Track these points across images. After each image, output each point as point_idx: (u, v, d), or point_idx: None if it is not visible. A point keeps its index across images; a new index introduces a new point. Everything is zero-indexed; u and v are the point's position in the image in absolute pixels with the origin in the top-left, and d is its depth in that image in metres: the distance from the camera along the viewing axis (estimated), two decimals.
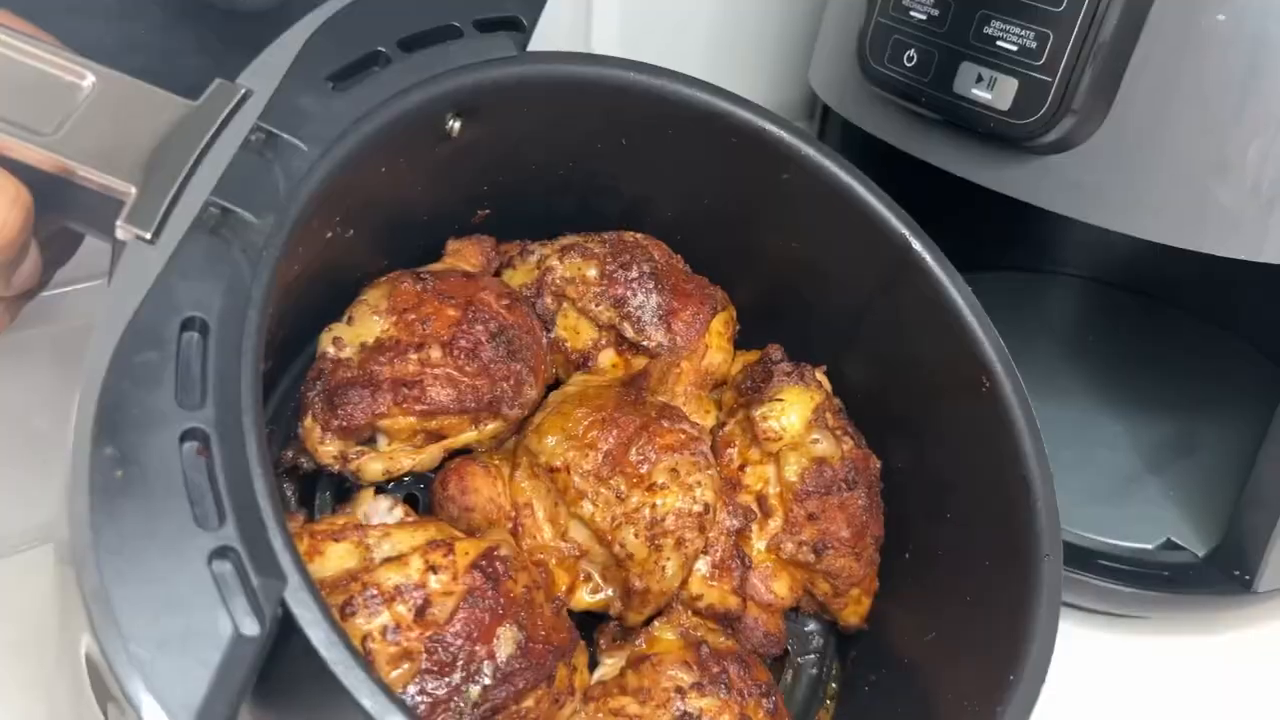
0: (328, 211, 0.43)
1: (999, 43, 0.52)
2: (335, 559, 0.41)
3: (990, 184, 0.57)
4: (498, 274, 0.54)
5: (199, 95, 0.38)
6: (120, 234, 0.34)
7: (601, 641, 0.49)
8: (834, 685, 0.55)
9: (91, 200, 0.36)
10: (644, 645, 0.47)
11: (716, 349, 0.55)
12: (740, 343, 0.60)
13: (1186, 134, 0.49)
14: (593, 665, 0.49)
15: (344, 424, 0.43)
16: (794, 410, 0.51)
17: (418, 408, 0.44)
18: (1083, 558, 0.65)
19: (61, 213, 0.36)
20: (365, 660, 0.32)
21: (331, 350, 0.45)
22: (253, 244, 0.36)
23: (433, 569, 0.40)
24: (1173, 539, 0.65)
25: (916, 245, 0.52)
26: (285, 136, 0.38)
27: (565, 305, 0.52)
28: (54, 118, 0.35)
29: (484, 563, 0.41)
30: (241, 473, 0.32)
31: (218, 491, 0.31)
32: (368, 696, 0.30)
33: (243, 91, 0.38)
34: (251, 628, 0.30)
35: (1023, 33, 0.51)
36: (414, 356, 0.44)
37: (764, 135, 0.52)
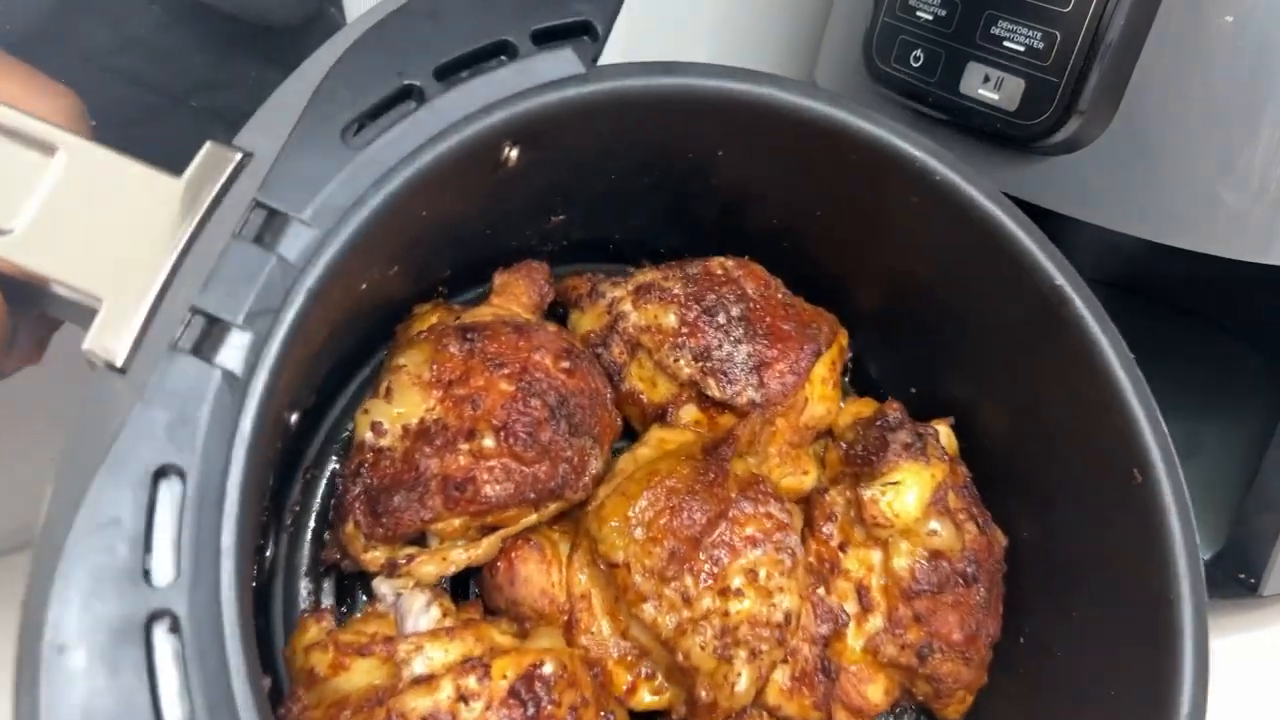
0: (354, 274, 0.36)
1: (1006, 43, 0.51)
2: (361, 674, 0.37)
3: (996, 185, 0.50)
4: (562, 317, 0.47)
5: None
6: (89, 358, 0.29)
7: None
8: None
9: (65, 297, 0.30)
10: None
11: (819, 399, 0.47)
12: (853, 360, 0.52)
13: (1193, 135, 0.48)
14: None
15: (389, 532, 0.38)
16: (911, 492, 0.43)
17: (471, 509, 0.38)
18: None
19: (36, 305, 0.31)
20: None
21: (370, 437, 0.39)
22: (245, 362, 0.30)
23: (464, 698, 0.36)
24: None
25: (1075, 299, 0.42)
26: (288, 214, 0.31)
27: (640, 355, 0.45)
28: (17, 207, 0.29)
29: (522, 687, 0.36)
30: (218, 671, 0.27)
31: (189, 686, 0.27)
32: None
33: (239, 157, 0.31)
34: None
35: (1030, 33, 0.50)
36: (465, 447, 0.38)
37: (891, 151, 0.43)
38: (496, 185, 0.41)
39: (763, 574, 0.40)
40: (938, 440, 0.45)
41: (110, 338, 0.29)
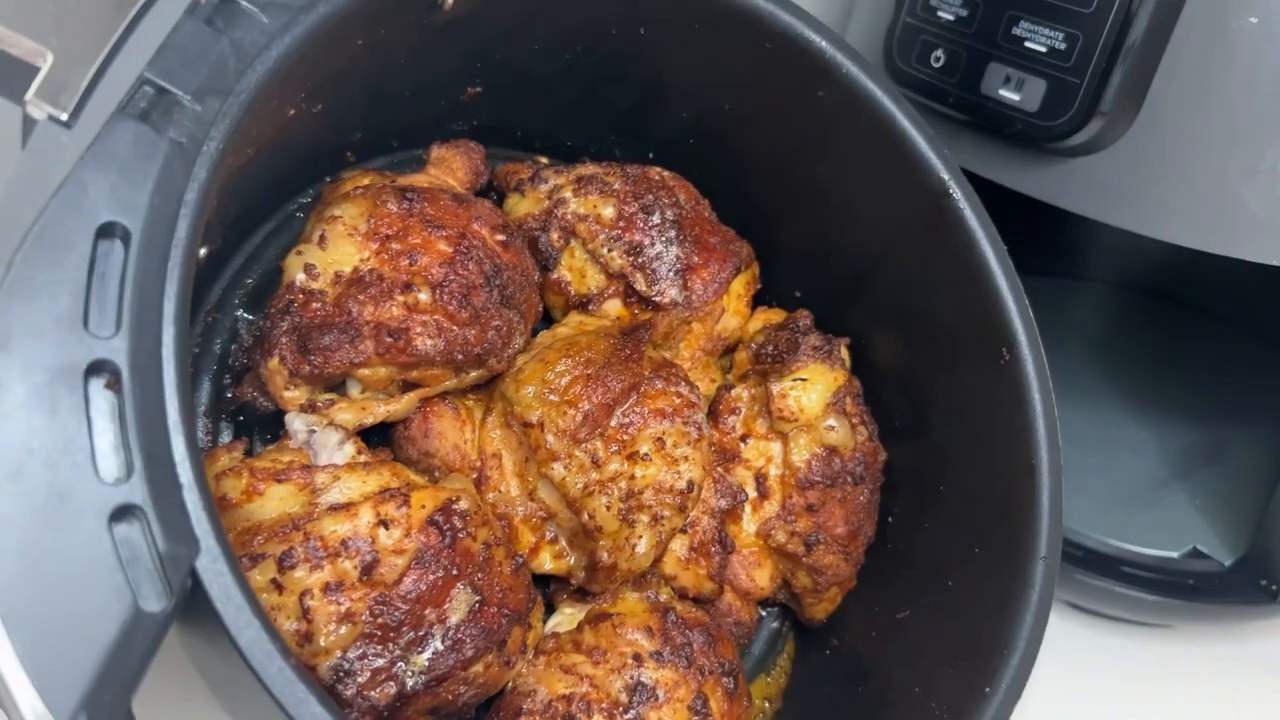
0: (289, 90, 0.37)
1: (1027, 43, 0.50)
2: (276, 501, 0.36)
3: (1016, 186, 0.54)
4: (499, 199, 0.48)
5: None
6: (31, 110, 0.28)
7: (561, 594, 0.45)
8: (791, 644, 0.51)
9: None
10: (607, 602, 0.43)
11: (733, 312, 0.49)
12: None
13: (1216, 137, 0.48)
14: (548, 610, 0.45)
15: (316, 371, 0.37)
16: (816, 389, 0.46)
17: (401, 359, 0.38)
18: (1106, 565, 0.62)
19: None
20: (287, 647, 0.27)
21: (302, 278, 0.39)
22: (192, 135, 0.30)
23: (384, 523, 0.36)
24: (1198, 547, 0.63)
25: (955, 191, 0.46)
26: (242, 3, 0.32)
27: (573, 244, 0.46)
28: None
29: (441, 518, 0.37)
30: (156, 416, 0.27)
31: (127, 438, 0.26)
32: (290, 697, 0.26)
33: None
34: (155, 603, 0.25)
35: (1052, 33, 0.49)
36: (400, 298, 0.38)
37: (803, 43, 0.45)
38: (425, 37, 0.41)
39: (670, 443, 0.42)
40: (840, 350, 0.49)
41: (54, 92, 0.28)
